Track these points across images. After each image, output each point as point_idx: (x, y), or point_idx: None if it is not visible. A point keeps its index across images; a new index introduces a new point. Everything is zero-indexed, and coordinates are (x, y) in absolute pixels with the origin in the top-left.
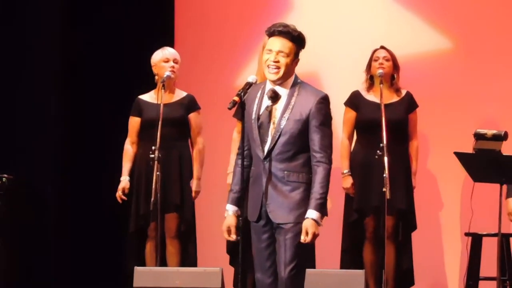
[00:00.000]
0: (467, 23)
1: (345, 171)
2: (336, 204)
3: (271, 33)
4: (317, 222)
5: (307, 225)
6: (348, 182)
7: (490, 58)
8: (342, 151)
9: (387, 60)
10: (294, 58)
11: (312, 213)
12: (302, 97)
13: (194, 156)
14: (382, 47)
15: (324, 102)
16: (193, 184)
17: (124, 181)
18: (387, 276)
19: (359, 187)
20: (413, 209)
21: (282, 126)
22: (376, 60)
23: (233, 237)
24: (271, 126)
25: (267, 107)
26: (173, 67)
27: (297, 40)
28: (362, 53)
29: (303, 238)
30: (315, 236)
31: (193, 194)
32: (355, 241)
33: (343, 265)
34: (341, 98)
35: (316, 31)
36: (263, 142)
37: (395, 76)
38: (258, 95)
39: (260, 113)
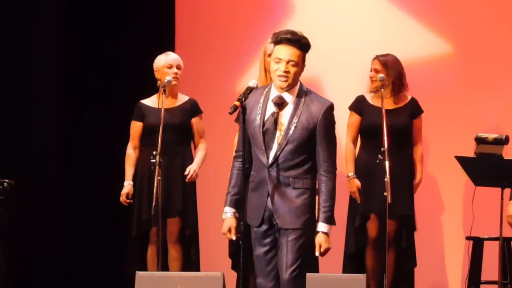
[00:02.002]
0: (467, 26)
1: (350, 174)
2: (340, 208)
3: (278, 41)
4: (327, 235)
5: (321, 240)
6: (354, 185)
7: (490, 62)
8: (347, 154)
9: (377, 72)
10: (302, 66)
11: (322, 226)
12: (309, 106)
13: (196, 153)
14: (376, 57)
15: (330, 111)
16: (192, 166)
17: (128, 186)
18: (387, 281)
19: (362, 192)
20: (414, 212)
21: (290, 134)
22: (371, 71)
23: (234, 236)
24: (278, 133)
25: (273, 113)
26: (176, 73)
27: (305, 48)
28: (362, 57)
29: (317, 252)
30: (327, 250)
31: (192, 173)
32: (359, 247)
33: (346, 270)
34: (341, 101)
35: (317, 36)
36: (268, 148)
37: (397, 83)
38: (262, 100)
39: (266, 119)
